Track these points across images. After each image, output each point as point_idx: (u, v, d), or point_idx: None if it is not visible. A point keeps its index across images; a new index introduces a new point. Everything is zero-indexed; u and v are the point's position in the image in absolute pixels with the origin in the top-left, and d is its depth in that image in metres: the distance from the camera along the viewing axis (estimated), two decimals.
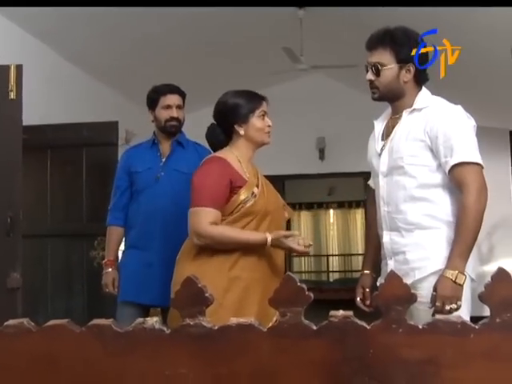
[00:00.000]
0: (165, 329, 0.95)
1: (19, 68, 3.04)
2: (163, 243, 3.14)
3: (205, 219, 2.45)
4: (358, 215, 13.38)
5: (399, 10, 4.13)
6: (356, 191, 10.78)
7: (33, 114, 4.08)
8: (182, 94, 3.32)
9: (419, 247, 2.32)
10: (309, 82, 7.94)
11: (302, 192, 11.81)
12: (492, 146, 6.40)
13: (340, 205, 13.71)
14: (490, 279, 0.89)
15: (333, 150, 8.33)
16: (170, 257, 3.12)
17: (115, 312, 3.22)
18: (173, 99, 3.26)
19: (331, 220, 13.99)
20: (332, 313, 0.91)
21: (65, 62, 5.59)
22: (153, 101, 3.29)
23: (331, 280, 13.23)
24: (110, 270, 3.26)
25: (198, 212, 2.48)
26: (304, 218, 13.86)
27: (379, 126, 2.55)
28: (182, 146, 3.32)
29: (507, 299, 0.87)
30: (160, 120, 3.27)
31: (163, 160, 3.26)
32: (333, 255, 13.84)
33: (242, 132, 2.60)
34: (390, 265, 2.37)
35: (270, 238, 2.45)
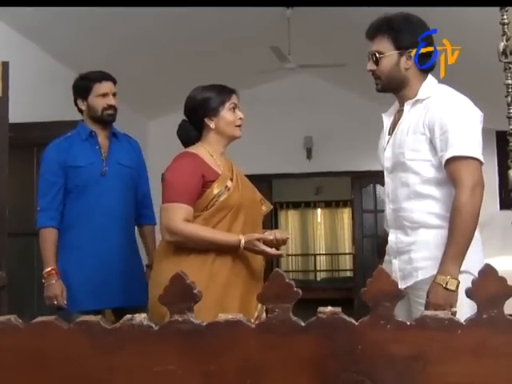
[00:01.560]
0: (153, 325, 0.95)
1: (5, 65, 3.01)
2: (120, 240, 3.02)
3: (177, 216, 2.42)
4: (346, 214, 13.41)
5: (387, 9, 4.14)
6: (343, 190, 10.79)
7: (19, 112, 4.06)
8: (115, 81, 3.14)
9: (424, 247, 2.23)
10: (296, 81, 7.96)
11: (289, 191, 11.84)
12: None
13: (327, 204, 13.74)
14: (477, 275, 0.89)
15: (320, 150, 8.36)
16: (128, 254, 3.05)
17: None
18: (108, 86, 3.08)
19: (318, 219, 14.02)
20: (320, 309, 0.92)
21: (51, 60, 5.56)
22: (85, 89, 3.07)
23: (318, 279, 13.26)
24: (55, 280, 2.93)
25: (170, 208, 2.45)
26: (291, 218, 13.88)
27: (387, 119, 2.44)
28: (117, 137, 3.17)
29: (494, 295, 0.88)
30: (96, 109, 3.05)
31: (103, 153, 3.07)
32: (320, 254, 13.86)
33: (212, 125, 2.59)
34: (395, 264, 2.29)
35: (243, 240, 2.43)
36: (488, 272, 0.88)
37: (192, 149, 2.60)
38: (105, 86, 3.06)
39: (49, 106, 5.15)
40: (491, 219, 7.23)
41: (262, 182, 8.73)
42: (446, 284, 2.07)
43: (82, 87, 3.09)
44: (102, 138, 3.11)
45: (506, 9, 2.14)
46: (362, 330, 0.90)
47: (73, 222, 3.01)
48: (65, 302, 2.93)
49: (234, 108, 2.60)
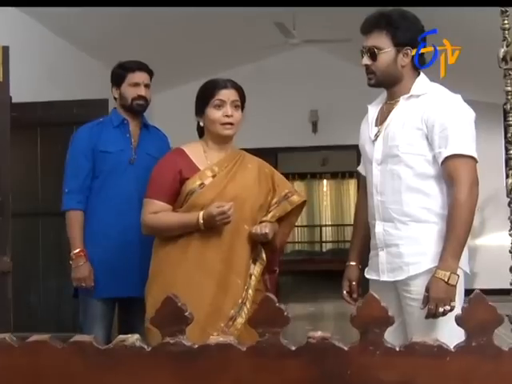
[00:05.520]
0: (145, 347, 0.96)
1: (6, 50, 3.00)
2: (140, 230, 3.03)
3: (147, 210, 2.50)
4: (352, 185, 13.38)
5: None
6: (349, 162, 10.73)
7: (22, 91, 4.05)
8: (151, 73, 3.15)
9: (414, 241, 2.25)
10: (302, 55, 7.89)
11: (295, 163, 11.81)
12: (485, 120, 6.40)
13: (333, 175, 13.73)
14: (467, 302, 0.89)
15: (326, 123, 8.31)
16: (149, 244, 3.07)
17: (83, 310, 3.03)
18: (142, 77, 3.08)
19: (324, 189, 14.02)
20: (310, 334, 0.92)
21: (55, 37, 5.53)
22: (119, 77, 3.09)
23: (324, 250, 13.32)
24: (84, 262, 2.95)
25: (145, 203, 2.54)
26: (297, 188, 13.78)
27: (373, 110, 2.43)
28: (147, 128, 3.19)
29: (483, 323, 0.88)
30: (126, 98, 3.07)
31: (133, 142, 3.09)
32: (326, 225, 13.90)
33: (201, 124, 2.58)
34: (382, 256, 2.31)
35: (201, 215, 2.40)
36: (478, 300, 0.88)
37: (185, 144, 2.61)
38: (138, 76, 3.07)
39: (53, 85, 5.14)
40: (496, 195, 7.21)
41: (268, 156, 8.74)
42: (448, 279, 2.10)
43: (117, 75, 3.11)
44: (132, 126, 3.12)
45: (507, 13, 2.09)
46: (351, 355, 0.91)
47: (97, 207, 3.03)
48: (92, 284, 2.95)
49: (219, 105, 2.51)
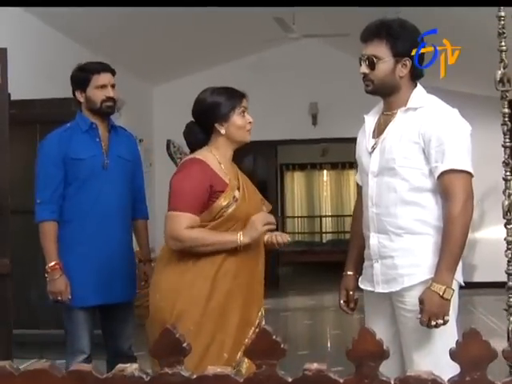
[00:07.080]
0: (144, 376, 0.97)
1: (3, 52, 2.99)
2: (120, 235, 3.01)
3: (181, 224, 2.40)
4: (352, 176, 13.36)
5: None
6: (349, 152, 10.73)
7: (21, 88, 4.05)
8: (114, 72, 3.08)
9: (409, 253, 2.26)
10: (302, 47, 7.88)
11: (295, 153, 11.82)
12: (484, 112, 6.40)
13: (333, 166, 13.72)
14: (461, 338, 0.90)
15: (325, 116, 8.31)
16: (127, 248, 3.08)
17: (66, 316, 3.00)
18: (107, 78, 3.01)
19: (324, 179, 14.02)
20: (306, 366, 0.93)
21: (56, 33, 5.52)
22: (83, 80, 2.99)
23: (324, 241, 13.33)
24: (60, 276, 2.90)
25: (175, 217, 2.43)
26: (297, 179, 13.88)
27: (370, 121, 2.44)
28: (115, 130, 3.12)
29: (477, 358, 0.89)
30: (95, 101, 2.98)
31: (104, 146, 3.02)
32: (326, 216, 13.90)
33: (222, 131, 2.52)
34: (376, 268, 2.32)
35: (240, 237, 2.41)
36: (472, 335, 0.89)
37: (200, 155, 2.54)
38: (103, 78, 3.00)
39: (52, 81, 5.12)
40: (495, 188, 7.20)
41: (268, 148, 8.76)
42: (443, 293, 2.11)
43: (81, 78, 3.02)
44: (101, 130, 3.05)
45: (505, 35, 2.09)
46: None
47: (73, 215, 2.97)
48: (69, 297, 2.92)
49: (243, 112, 2.54)
